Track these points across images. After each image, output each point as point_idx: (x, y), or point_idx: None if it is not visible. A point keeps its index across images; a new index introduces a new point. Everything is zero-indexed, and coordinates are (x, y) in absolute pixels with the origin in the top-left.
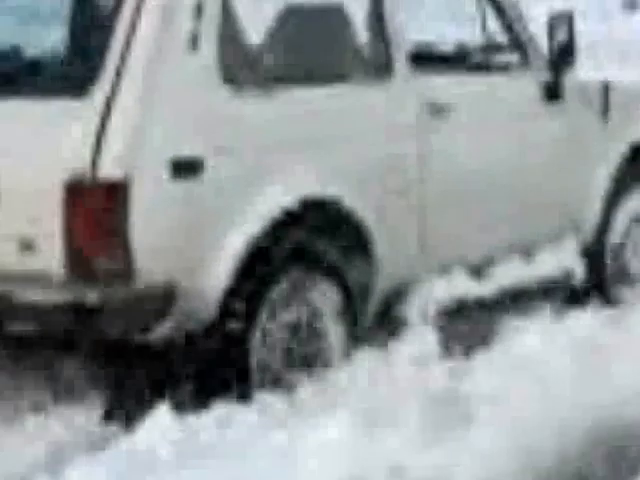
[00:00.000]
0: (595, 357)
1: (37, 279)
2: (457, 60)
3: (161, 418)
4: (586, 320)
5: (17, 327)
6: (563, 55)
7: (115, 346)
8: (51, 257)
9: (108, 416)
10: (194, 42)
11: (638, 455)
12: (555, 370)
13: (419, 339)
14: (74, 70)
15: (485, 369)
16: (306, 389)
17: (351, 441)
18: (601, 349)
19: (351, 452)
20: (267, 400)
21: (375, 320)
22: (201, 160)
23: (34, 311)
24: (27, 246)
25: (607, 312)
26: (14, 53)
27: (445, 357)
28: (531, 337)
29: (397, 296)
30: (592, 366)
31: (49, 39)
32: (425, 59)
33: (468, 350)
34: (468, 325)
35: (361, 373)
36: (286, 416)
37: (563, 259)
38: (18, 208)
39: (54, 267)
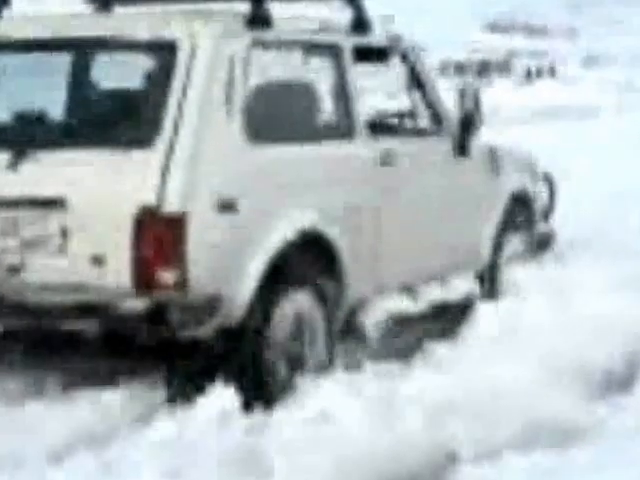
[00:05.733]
0: (384, 409)
1: (106, 290)
2: (395, 125)
3: None
4: (377, 374)
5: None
6: (470, 121)
7: (169, 343)
8: (120, 271)
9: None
10: (228, 107)
11: None
12: (347, 422)
13: (221, 396)
14: (140, 128)
15: (282, 424)
16: (118, 445)
17: None
18: (390, 402)
19: None
20: (79, 458)
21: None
22: (235, 199)
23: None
24: (99, 262)
25: (396, 366)
26: (87, 111)
27: (245, 413)
28: (325, 391)
29: (356, 310)
30: (381, 417)
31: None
32: (375, 124)
33: (267, 406)
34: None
35: (168, 429)
36: (97, 474)
37: (466, 284)
38: (95, 233)
39: (122, 280)
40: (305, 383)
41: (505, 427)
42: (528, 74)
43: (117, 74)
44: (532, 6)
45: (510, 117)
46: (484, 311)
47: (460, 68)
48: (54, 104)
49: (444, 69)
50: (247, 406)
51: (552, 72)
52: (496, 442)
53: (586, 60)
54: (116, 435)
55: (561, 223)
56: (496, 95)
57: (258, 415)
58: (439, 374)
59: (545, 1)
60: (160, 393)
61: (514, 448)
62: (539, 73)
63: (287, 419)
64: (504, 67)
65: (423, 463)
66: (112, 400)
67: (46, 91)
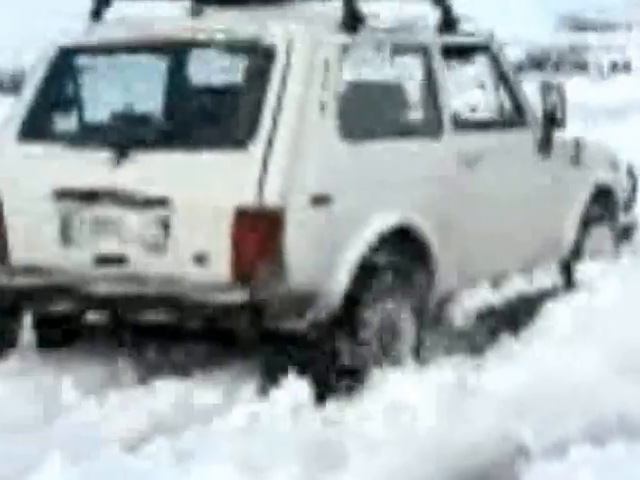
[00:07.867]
0: (457, 401)
1: (208, 284)
2: (481, 121)
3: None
4: (449, 366)
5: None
6: (554, 117)
7: (267, 335)
8: (221, 266)
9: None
10: (322, 107)
11: None
12: (419, 414)
13: (295, 390)
14: (240, 128)
15: (356, 416)
16: (191, 435)
17: None
18: (464, 394)
19: None
20: (157, 444)
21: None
22: (331, 195)
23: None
24: (200, 258)
25: (469, 359)
26: (186, 113)
27: (319, 406)
28: (399, 384)
29: (445, 302)
30: (454, 410)
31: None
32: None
33: (340, 398)
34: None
35: (243, 421)
36: (173, 460)
37: (551, 275)
38: (197, 230)
39: (223, 274)
40: (376, 375)
41: (574, 420)
42: (602, 68)
43: (207, 75)
44: (603, 3)
45: (592, 112)
46: (555, 306)
47: (538, 64)
48: (153, 106)
49: (520, 66)
50: (322, 398)
51: (628, 67)
52: (566, 435)
53: None
54: (191, 424)
55: None
56: (576, 89)
57: (331, 407)
58: (510, 367)
59: None
60: (235, 384)
61: (583, 441)
62: (615, 67)
63: (360, 411)
64: (579, 62)
65: (494, 456)
66: (188, 390)
67: (145, 93)
